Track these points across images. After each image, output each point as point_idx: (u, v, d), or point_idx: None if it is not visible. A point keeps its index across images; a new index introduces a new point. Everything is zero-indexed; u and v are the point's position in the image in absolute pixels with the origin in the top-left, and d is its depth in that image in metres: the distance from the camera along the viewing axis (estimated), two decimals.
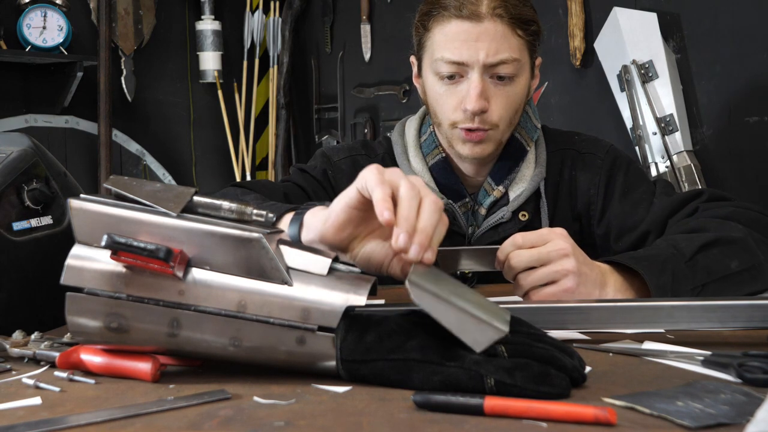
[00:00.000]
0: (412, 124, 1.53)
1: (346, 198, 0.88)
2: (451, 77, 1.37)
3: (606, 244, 1.47)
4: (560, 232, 1.11)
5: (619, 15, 2.64)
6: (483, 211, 1.45)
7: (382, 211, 0.81)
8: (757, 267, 1.20)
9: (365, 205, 0.86)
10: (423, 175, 1.46)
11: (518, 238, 1.10)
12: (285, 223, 1.05)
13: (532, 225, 1.44)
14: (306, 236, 0.97)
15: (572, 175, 1.48)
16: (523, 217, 1.45)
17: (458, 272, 1.42)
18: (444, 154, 1.47)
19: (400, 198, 0.82)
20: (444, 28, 1.36)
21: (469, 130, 1.38)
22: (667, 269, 1.13)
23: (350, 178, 1.49)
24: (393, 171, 0.86)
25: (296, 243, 0.83)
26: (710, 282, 1.15)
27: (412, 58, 1.49)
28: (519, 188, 1.45)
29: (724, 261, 1.18)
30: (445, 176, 1.47)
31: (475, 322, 0.73)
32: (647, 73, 2.56)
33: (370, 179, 0.84)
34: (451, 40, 1.35)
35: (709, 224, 1.26)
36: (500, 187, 1.45)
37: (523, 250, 1.09)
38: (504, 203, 1.45)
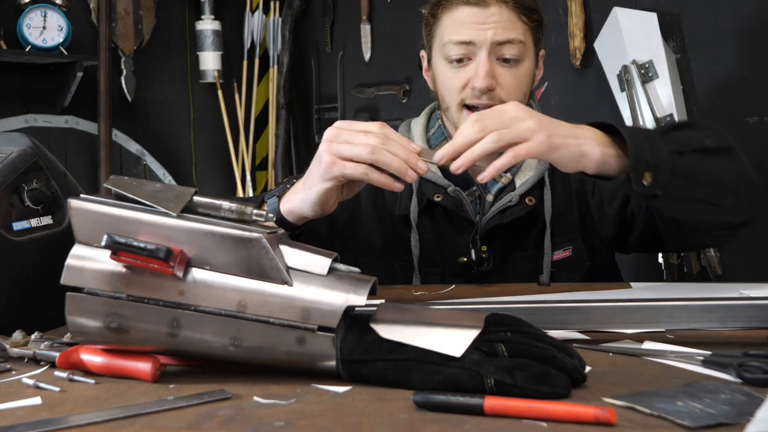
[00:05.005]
0: (418, 121, 1.58)
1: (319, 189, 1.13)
2: (459, 60, 1.43)
3: (602, 213, 1.49)
4: (514, 104, 1.10)
5: (619, 15, 2.64)
6: (490, 198, 1.48)
7: (393, 184, 1.08)
8: (733, 151, 1.22)
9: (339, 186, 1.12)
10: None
11: (472, 126, 1.07)
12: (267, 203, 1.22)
13: (536, 210, 1.47)
14: (284, 207, 1.18)
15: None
16: (530, 201, 1.47)
17: (473, 256, 1.44)
18: None
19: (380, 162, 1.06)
20: (453, 14, 1.43)
21: (474, 109, 1.41)
22: (639, 132, 1.14)
23: None
24: (331, 144, 1.09)
25: (296, 243, 0.83)
26: (687, 152, 1.16)
27: (422, 53, 1.55)
28: (525, 176, 1.48)
29: (698, 137, 1.20)
30: None
31: (445, 330, 0.76)
32: (647, 73, 2.56)
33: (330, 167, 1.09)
34: (459, 24, 1.42)
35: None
36: (508, 174, 1.48)
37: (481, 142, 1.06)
38: (511, 189, 1.47)
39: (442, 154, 1.07)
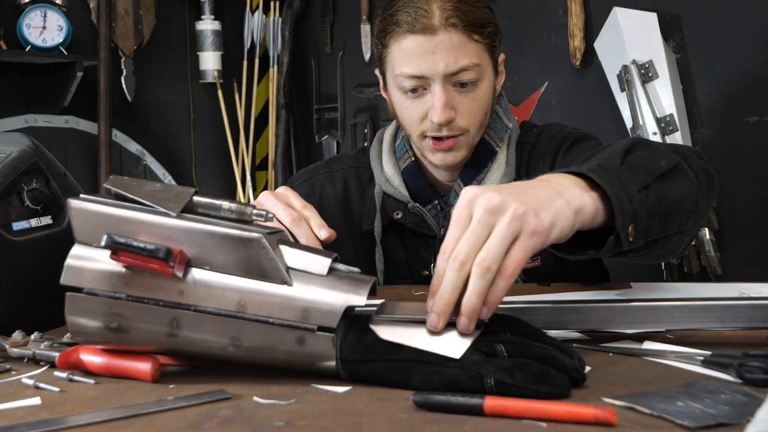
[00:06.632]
0: (389, 129, 1.54)
1: None
2: (414, 90, 1.36)
3: None
4: (469, 194, 0.82)
5: (619, 15, 2.64)
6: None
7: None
8: (681, 166, 1.03)
9: None
10: (394, 179, 1.47)
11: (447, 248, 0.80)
12: None
13: None
14: None
15: (528, 171, 1.46)
16: None
17: (431, 271, 1.43)
18: (413, 158, 1.48)
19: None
20: (400, 45, 1.35)
21: (437, 139, 1.37)
22: (609, 174, 0.90)
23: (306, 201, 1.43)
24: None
25: (296, 243, 0.83)
26: (651, 182, 0.95)
27: (377, 71, 1.49)
28: None
29: (653, 159, 0.99)
30: (415, 180, 1.47)
31: (445, 331, 0.77)
32: (647, 73, 2.56)
33: None
34: (408, 56, 1.34)
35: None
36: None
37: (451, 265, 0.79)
38: None
39: (454, 321, 0.78)
